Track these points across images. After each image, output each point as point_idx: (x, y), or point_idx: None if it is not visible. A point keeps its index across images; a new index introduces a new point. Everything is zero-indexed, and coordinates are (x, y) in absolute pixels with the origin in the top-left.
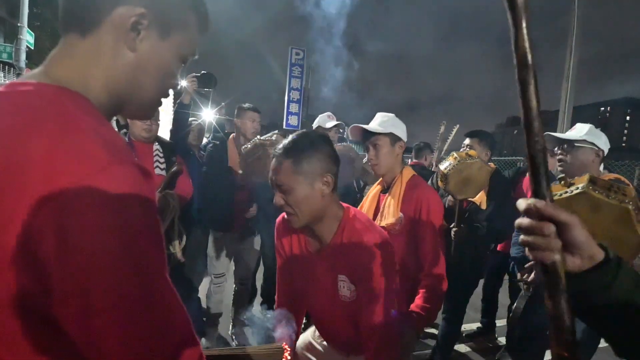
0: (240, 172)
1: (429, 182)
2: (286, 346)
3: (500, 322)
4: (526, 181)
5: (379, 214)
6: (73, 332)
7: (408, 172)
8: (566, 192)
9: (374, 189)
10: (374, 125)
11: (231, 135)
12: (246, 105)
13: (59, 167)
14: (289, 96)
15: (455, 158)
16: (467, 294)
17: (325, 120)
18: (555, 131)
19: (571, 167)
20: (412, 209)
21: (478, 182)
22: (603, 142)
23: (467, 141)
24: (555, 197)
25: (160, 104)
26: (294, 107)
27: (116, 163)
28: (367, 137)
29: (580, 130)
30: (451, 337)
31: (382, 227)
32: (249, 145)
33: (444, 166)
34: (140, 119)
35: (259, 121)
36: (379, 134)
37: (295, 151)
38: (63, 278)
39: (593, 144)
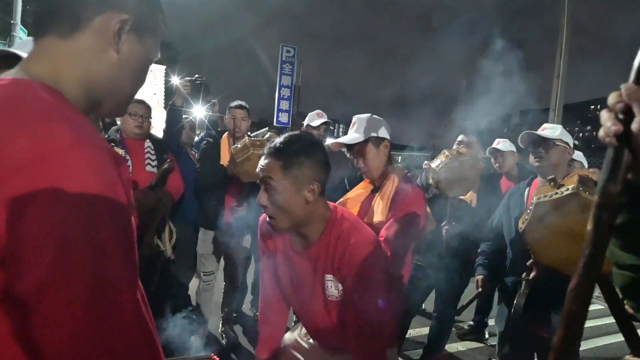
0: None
1: (418, 179)
2: (215, 357)
3: (493, 321)
4: (504, 182)
5: (369, 211)
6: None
7: (400, 172)
8: (556, 194)
9: (362, 187)
10: (353, 135)
11: (225, 134)
12: (235, 103)
13: (24, 145)
14: (279, 93)
15: (447, 156)
16: (459, 293)
17: (314, 118)
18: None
19: (548, 165)
20: (395, 209)
21: (469, 180)
22: (572, 142)
23: (460, 137)
24: (545, 199)
25: (131, 101)
26: (285, 105)
27: (81, 145)
28: (351, 148)
29: (554, 130)
30: (442, 336)
31: (370, 225)
32: (239, 145)
33: (435, 164)
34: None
35: (248, 118)
36: (364, 141)
37: (288, 154)
38: (12, 255)
39: (567, 143)
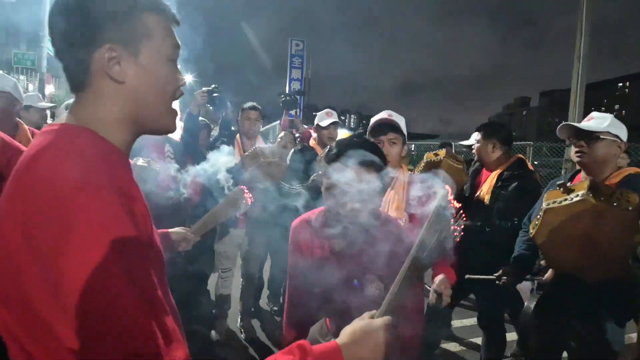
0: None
1: None
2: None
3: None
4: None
5: (382, 208)
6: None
7: (406, 171)
8: (566, 200)
9: None
10: (394, 119)
11: (237, 134)
12: (248, 104)
13: (42, 182)
14: (289, 87)
15: (424, 160)
16: (502, 301)
17: (323, 118)
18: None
19: (591, 160)
20: (415, 209)
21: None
22: (625, 134)
23: (475, 135)
24: (555, 205)
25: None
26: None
27: (89, 186)
28: (384, 131)
29: (602, 121)
30: (497, 348)
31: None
32: (249, 153)
33: (417, 170)
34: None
35: (261, 119)
36: (398, 132)
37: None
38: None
39: (617, 136)
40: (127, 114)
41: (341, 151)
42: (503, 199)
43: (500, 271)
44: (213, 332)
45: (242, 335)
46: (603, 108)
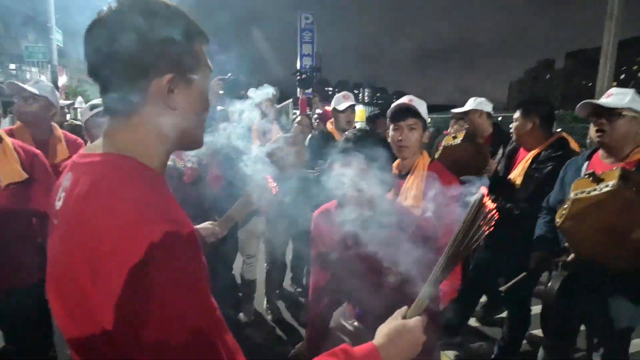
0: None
1: None
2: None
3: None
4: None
5: (400, 196)
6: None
7: (427, 157)
8: (595, 190)
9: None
10: (414, 104)
11: (255, 121)
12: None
13: (101, 225)
14: (301, 63)
15: (442, 143)
16: (529, 281)
17: (340, 101)
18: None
19: (612, 138)
20: (434, 198)
21: (469, 163)
22: None
23: (516, 114)
24: (583, 195)
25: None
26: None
27: (145, 223)
28: (403, 117)
29: (622, 97)
30: (520, 326)
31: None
32: (272, 143)
33: (437, 154)
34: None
35: (276, 103)
36: (418, 117)
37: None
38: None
39: (638, 112)
40: (171, 138)
41: (345, 147)
42: (535, 182)
43: (534, 263)
44: (241, 315)
45: (269, 317)
46: (635, 67)
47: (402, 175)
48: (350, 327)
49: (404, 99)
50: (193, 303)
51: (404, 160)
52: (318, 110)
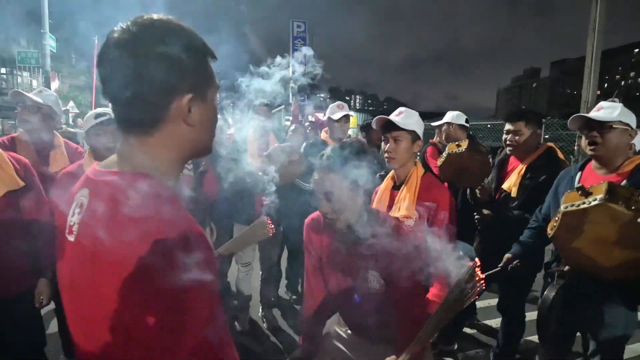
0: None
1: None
2: (268, 219)
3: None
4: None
5: (393, 207)
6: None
7: (421, 169)
8: (583, 203)
9: (383, 185)
10: (398, 119)
11: (250, 132)
12: (259, 101)
13: (131, 242)
14: (293, 69)
15: (446, 151)
16: (524, 288)
17: (335, 111)
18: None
19: (604, 150)
20: (426, 208)
21: (472, 171)
22: (634, 122)
23: (507, 126)
24: (572, 208)
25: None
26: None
27: (170, 239)
28: (389, 129)
29: (612, 111)
30: (512, 334)
31: (396, 218)
32: (269, 152)
33: (439, 160)
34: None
35: (271, 115)
36: (402, 129)
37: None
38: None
39: (628, 125)
40: (187, 152)
41: (323, 162)
42: (531, 191)
43: (505, 259)
44: (236, 323)
45: (264, 325)
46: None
47: (397, 186)
48: (344, 335)
49: (395, 112)
50: (207, 313)
51: (395, 170)
52: (310, 118)
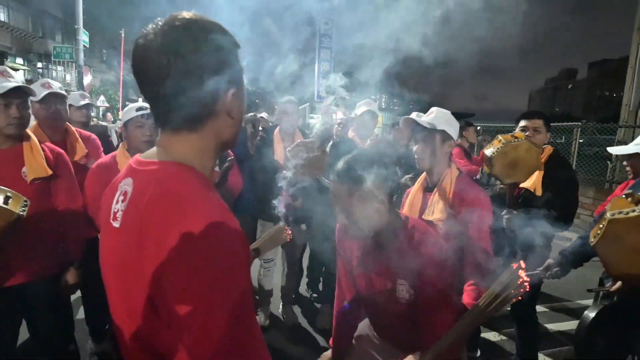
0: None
1: (480, 172)
2: (285, 226)
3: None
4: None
5: (426, 209)
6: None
7: (455, 170)
8: (634, 211)
9: (415, 187)
10: (427, 119)
11: (277, 128)
12: (285, 98)
13: (176, 224)
14: (319, 68)
15: (500, 141)
16: (534, 293)
17: (359, 107)
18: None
19: None
20: (463, 212)
21: (527, 164)
22: None
23: (522, 123)
24: (620, 216)
25: None
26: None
27: (213, 225)
28: (417, 130)
29: None
30: (528, 340)
31: (429, 221)
32: (294, 147)
33: (489, 150)
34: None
35: (298, 111)
36: (432, 130)
37: (356, 178)
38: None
39: None
40: (223, 142)
41: (340, 171)
42: (554, 188)
43: (547, 263)
44: (257, 318)
45: (284, 321)
46: None
47: (429, 188)
48: (374, 338)
49: (428, 112)
50: (241, 297)
51: (427, 172)
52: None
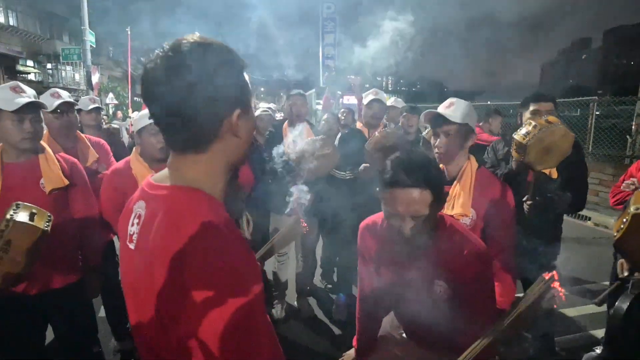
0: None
1: (485, 154)
2: (301, 218)
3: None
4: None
5: (446, 204)
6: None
7: (475, 162)
8: None
9: None
10: (448, 111)
11: (286, 122)
12: (294, 91)
13: (180, 249)
14: (323, 52)
15: (535, 126)
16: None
17: (366, 96)
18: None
19: None
20: (485, 207)
21: (561, 150)
22: None
23: (534, 106)
24: None
25: None
26: (330, 63)
27: (220, 249)
28: (439, 123)
29: None
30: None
31: (450, 216)
32: (302, 147)
33: (520, 135)
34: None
35: (307, 104)
36: (454, 122)
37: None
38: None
39: None
40: (233, 162)
41: (394, 178)
42: (570, 170)
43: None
44: (273, 311)
45: (300, 313)
46: None
47: (448, 182)
48: (398, 337)
49: (444, 104)
50: (250, 315)
51: (445, 166)
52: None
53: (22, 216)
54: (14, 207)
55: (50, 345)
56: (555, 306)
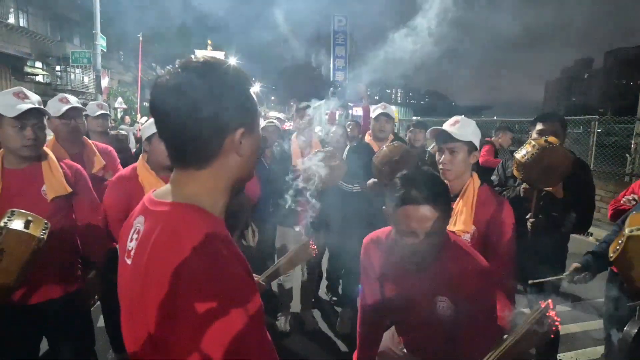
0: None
1: (495, 172)
2: (310, 241)
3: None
4: None
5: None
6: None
7: (477, 180)
8: None
9: None
10: (454, 129)
11: (294, 134)
12: (304, 104)
13: (174, 268)
14: (334, 64)
15: (534, 146)
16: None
17: (375, 110)
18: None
19: None
20: (485, 224)
21: (561, 170)
22: None
23: (540, 126)
24: (638, 232)
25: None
26: (340, 76)
27: (215, 269)
28: (445, 140)
29: None
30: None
31: (452, 232)
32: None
33: (520, 154)
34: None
35: (315, 117)
36: (459, 140)
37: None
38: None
39: None
40: (236, 180)
41: (407, 195)
42: (576, 190)
43: (574, 267)
44: (277, 323)
45: (305, 325)
46: None
47: (451, 198)
48: (399, 352)
49: (449, 122)
50: (246, 332)
51: (449, 182)
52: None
53: (17, 224)
54: (9, 214)
55: (44, 357)
56: (552, 336)
